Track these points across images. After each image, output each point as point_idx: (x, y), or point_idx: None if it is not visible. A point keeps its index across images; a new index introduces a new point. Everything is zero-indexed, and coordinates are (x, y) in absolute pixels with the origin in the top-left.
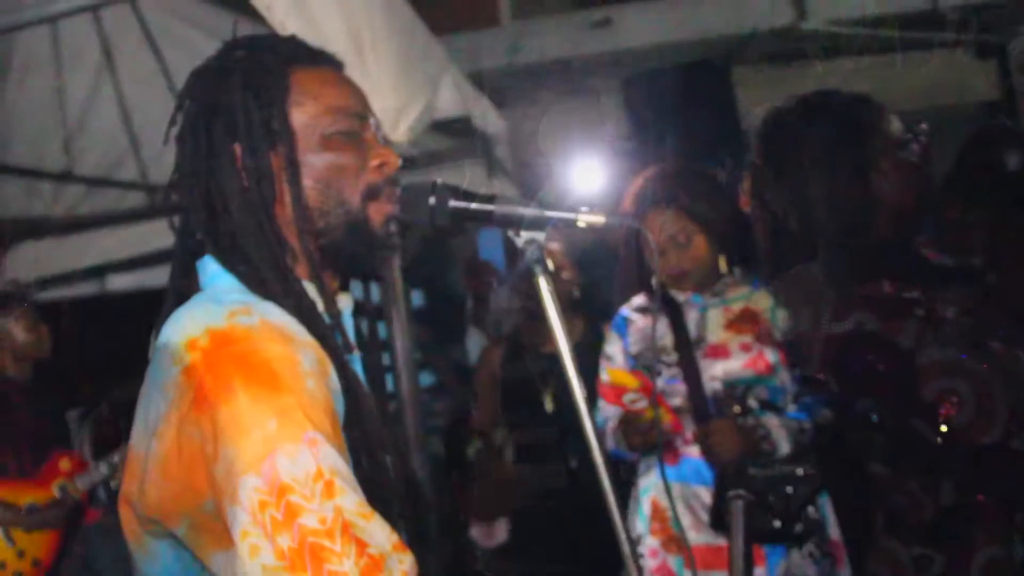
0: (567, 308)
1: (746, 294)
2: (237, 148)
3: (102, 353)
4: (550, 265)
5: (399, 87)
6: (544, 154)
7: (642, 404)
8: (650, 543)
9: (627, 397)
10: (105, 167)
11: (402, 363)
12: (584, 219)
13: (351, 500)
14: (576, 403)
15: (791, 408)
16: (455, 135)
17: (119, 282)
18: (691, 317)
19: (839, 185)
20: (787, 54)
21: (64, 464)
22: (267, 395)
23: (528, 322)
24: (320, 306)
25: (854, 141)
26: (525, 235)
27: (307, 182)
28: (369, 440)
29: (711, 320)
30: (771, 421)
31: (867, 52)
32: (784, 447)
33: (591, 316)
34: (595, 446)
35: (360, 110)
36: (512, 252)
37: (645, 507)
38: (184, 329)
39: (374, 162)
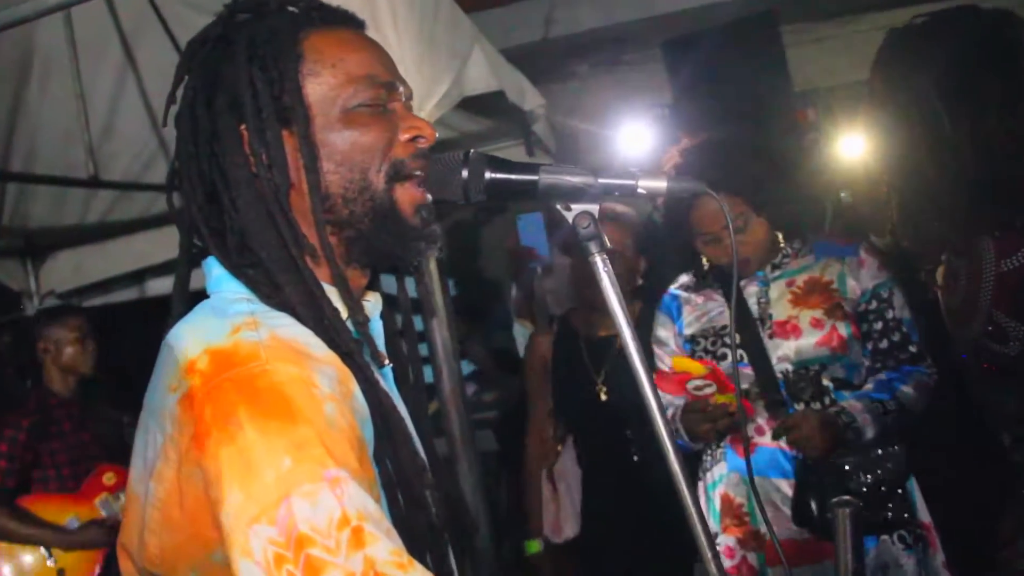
0: (626, 294)
1: (809, 265)
2: (243, 129)
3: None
4: (607, 241)
5: (424, 63)
6: (586, 128)
7: (709, 391)
8: (724, 541)
9: (692, 384)
10: (136, 170)
11: (443, 359)
12: (644, 185)
13: (384, 548)
14: (642, 388)
15: (867, 386)
16: (491, 114)
17: (159, 286)
18: (751, 293)
19: (985, 118)
20: (837, 9)
21: (108, 478)
22: (278, 427)
23: (579, 307)
24: (344, 314)
25: (1001, 65)
26: (576, 208)
27: (327, 165)
28: (405, 471)
29: (774, 296)
30: (854, 406)
31: (925, 1)
32: (870, 432)
33: (649, 302)
34: (664, 433)
35: (387, 77)
36: (553, 234)
37: (716, 503)
38: (182, 348)
39: (405, 135)
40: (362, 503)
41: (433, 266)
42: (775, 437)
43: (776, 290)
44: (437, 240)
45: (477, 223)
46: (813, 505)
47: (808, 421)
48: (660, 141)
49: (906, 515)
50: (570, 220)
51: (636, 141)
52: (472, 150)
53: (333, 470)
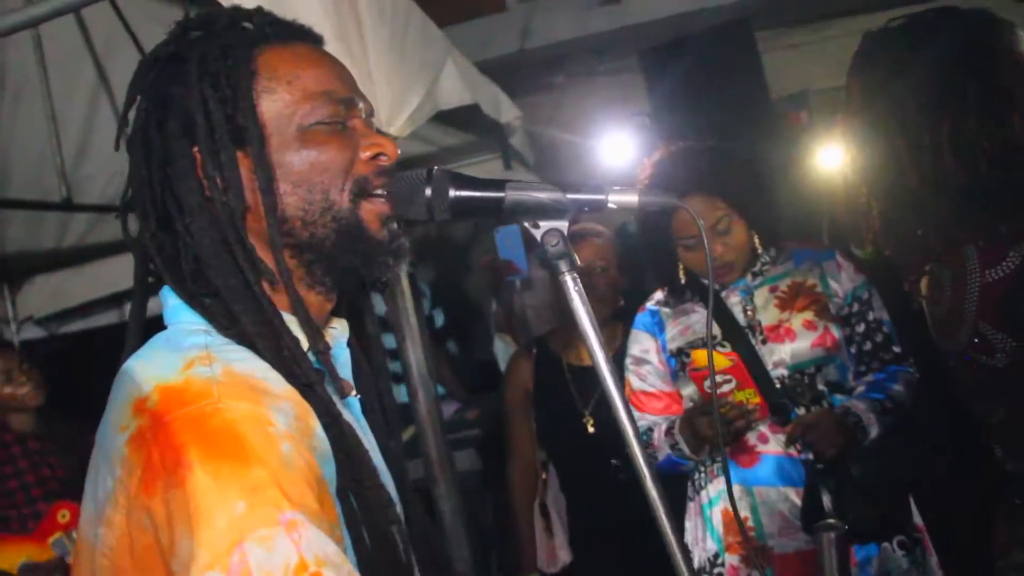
0: (610, 315)
1: (789, 270)
2: (196, 151)
3: None
4: (578, 259)
5: (394, 76)
6: (566, 139)
7: (728, 387)
8: (729, 560)
9: (709, 382)
10: (111, 193)
11: (417, 380)
12: (615, 200)
13: None
14: (618, 416)
15: (859, 388)
16: (469, 128)
17: None
18: (734, 303)
19: (965, 123)
20: (810, 15)
21: (62, 516)
22: (231, 469)
23: (562, 328)
24: (305, 343)
25: (981, 68)
26: (545, 225)
27: (285, 187)
28: (370, 508)
29: (760, 302)
30: (857, 405)
31: (898, 4)
32: (874, 432)
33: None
34: (643, 465)
35: (346, 93)
36: (532, 248)
37: (715, 521)
38: (132, 385)
39: (366, 153)
40: (321, 547)
41: (406, 285)
42: (789, 440)
43: (760, 296)
44: (405, 254)
45: (468, 238)
46: (827, 507)
47: (825, 419)
48: (640, 150)
49: (905, 518)
50: (539, 238)
51: (617, 150)
52: (436, 167)
53: (289, 513)
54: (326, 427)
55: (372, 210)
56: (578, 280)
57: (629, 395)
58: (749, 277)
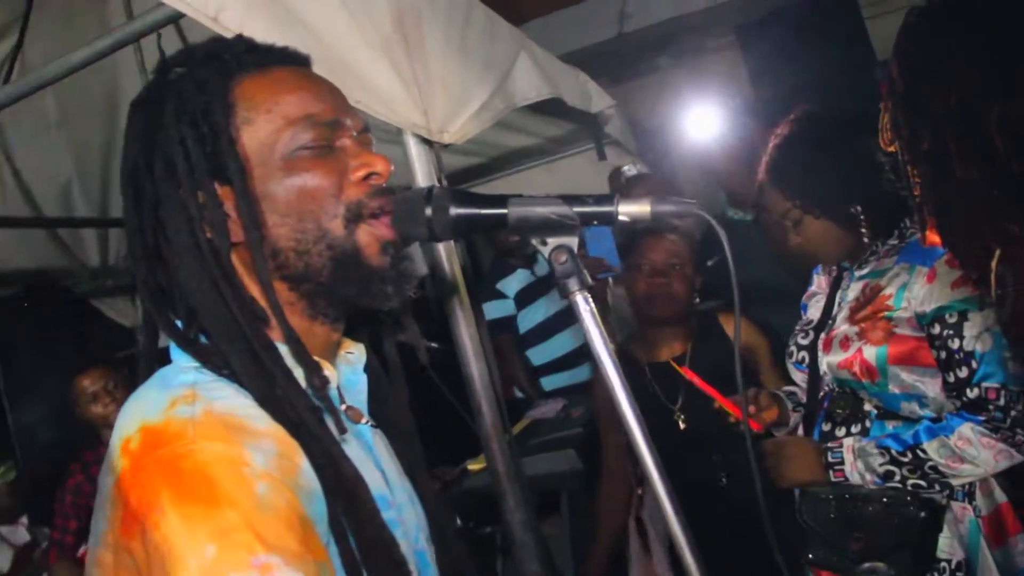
0: (681, 313)
1: (888, 268)
2: (181, 192)
3: None
4: (588, 278)
5: (451, 80)
6: (671, 122)
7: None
8: None
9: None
10: None
11: (480, 392)
12: (625, 211)
13: None
14: (628, 426)
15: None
16: (572, 118)
17: None
18: (843, 287)
19: (1017, 104)
20: None
21: None
22: (202, 512)
23: (640, 325)
24: (303, 379)
25: None
26: (552, 242)
27: (274, 218)
28: (371, 546)
29: (850, 296)
30: (854, 447)
31: None
32: (858, 479)
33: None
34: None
35: (330, 115)
36: (626, 246)
37: None
38: (123, 424)
39: (357, 173)
40: None
41: (464, 294)
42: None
43: (853, 290)
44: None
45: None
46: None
47: (781, 450)
48: (736, 133)
49: None
50: (546, 255)
51: (712, 133)
52: (436, 185)
53: (263, 556)
54: (320, 468)
55: (370, 235)
56: (589, 299)
57: None
58: (856, 266)
